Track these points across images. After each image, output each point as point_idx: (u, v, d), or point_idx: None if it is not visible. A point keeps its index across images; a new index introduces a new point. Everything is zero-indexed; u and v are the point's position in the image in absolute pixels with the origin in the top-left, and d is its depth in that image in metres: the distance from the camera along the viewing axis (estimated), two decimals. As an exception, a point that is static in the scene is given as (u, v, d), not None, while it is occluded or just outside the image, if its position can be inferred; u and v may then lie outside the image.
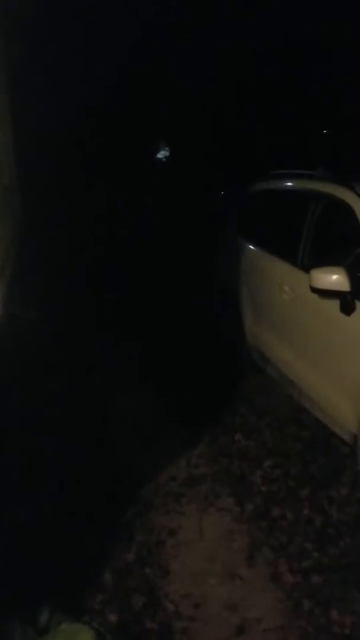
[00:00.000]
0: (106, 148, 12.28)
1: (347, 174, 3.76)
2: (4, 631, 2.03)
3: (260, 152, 12.01)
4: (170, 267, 7.83)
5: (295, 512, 3.16)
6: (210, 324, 5.57)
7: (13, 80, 3.85)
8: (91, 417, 4.09)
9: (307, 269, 3.50)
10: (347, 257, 3.27)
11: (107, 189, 10.99)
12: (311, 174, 4.17)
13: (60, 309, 5.62)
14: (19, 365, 3.76)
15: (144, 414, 4.27)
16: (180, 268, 7.66)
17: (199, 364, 5.07)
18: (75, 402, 4.22)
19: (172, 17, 11.19)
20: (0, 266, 1.76)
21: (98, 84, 10.46)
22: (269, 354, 4.36)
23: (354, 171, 3.88)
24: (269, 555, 2.86)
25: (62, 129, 9.65)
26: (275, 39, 12.02)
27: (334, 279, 3.14)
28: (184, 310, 6.18)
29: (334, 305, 3.22)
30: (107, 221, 9.51)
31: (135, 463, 3.64)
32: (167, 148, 16.66)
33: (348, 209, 3.41)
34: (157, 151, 16.58)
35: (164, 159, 16.72)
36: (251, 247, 4.80)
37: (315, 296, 3.35)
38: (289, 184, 4.55)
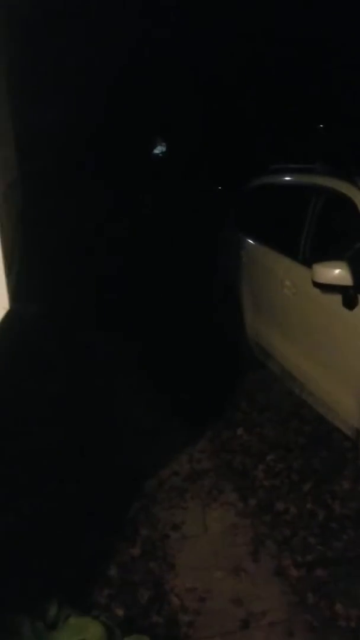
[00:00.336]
0: (106, 144, 12.26)
1: (347, 168, 3.75)
2: (14, 625, 2.05)
3: (259, 148, 11.97)
4: (170, 263, 7.83)
5: (298, 506, 3.17)
6: (210, 319, 5.57)
7: (14, 78, 3.83)
8: (93, 413, 4.09)
9: (308, 263, 3.50)
10: (349, 251, 3.26)
11: (107, 185, 10.96)
12: (311, 168, 4.17)
13: (62, 306, 5.62)
14: (25, 360, 3.77)
15: (146, 409, 4.27)
16: (180, 264, 7.65)
17: (200, 359, 5.07)
18: (77, 399, 4.23)
19: (171, 15, 11.16)
20: (8, 262, 1.76)
21: (98, 81, 10.44)
22: (270, 350, 4.36)
23: (353, 165, 3.86)
24: (273, 549, 2.87)
25: (62, 128, 9.63)
26: (274, 35, 11.98)
27: (337, 273, 3.13)
28: (184, 306, 6.18)
29: (337, 299, 3.22)
30: (108, 217, 9.49)
31: (138, 459, 3.65)
32: (164, 143, 16.63)
33: (350, 203, 3.40)
34: (154, 147, 16.54)
35: (160, 155, 16.68)
36: (251, 242, 4.80)
37: (317, 291, 3.35)
38: (290, 178, 4.54)
